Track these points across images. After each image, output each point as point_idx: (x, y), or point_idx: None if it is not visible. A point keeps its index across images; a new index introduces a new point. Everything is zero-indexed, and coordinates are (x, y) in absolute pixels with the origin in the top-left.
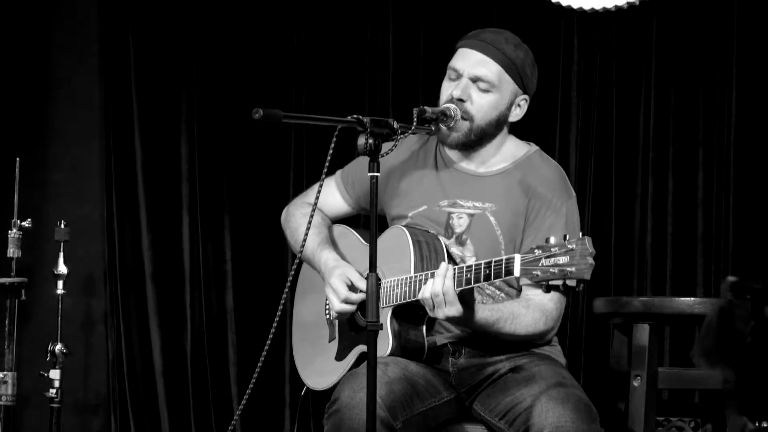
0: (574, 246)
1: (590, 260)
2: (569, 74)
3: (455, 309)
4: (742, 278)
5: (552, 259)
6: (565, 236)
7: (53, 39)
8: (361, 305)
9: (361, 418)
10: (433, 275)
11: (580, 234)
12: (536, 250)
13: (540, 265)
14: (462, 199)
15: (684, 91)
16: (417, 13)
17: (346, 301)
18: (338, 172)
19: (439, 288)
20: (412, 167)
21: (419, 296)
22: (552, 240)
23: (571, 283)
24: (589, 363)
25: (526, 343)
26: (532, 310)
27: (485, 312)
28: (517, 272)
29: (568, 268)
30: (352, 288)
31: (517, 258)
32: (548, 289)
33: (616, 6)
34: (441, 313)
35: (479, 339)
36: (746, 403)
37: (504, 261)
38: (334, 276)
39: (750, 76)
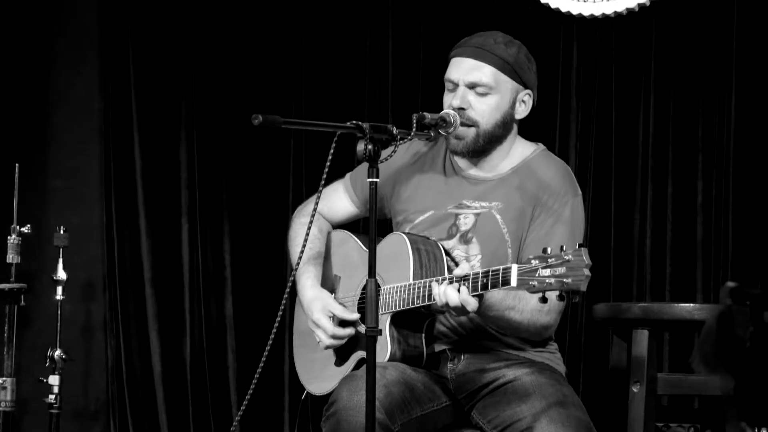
0: (570, 257)
1: (586, 272)
2: (569, 80)
3: (473, 306)
4: (742, 284)
5: (549, 269)
6: (561, 247)
7: (53, 45)
8: (362, 312)
9: (359, 420)
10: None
11: (579, 243)
12: (533, 261)
13: (537, 275)
14: (468, 200)
15: (683, 97)
16: (416, 20)
17: (335, 337)
18: (347, 175)
19: (458, 301)
20: (421, 172)
21: (438, 302)
22: (549, 250)
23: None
24: (589, 369)
25: (526, 341)
26: (535, 298)
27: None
28: (514, 282)
29: (564, 279)
30: (336, 320)
31: (514, 268)
32: (545, 299)
33: (615, 12)
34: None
35: (478, 344)
36: (746, 409)
37: (501, 271)
38: (316, 311)
39: (749, 82)
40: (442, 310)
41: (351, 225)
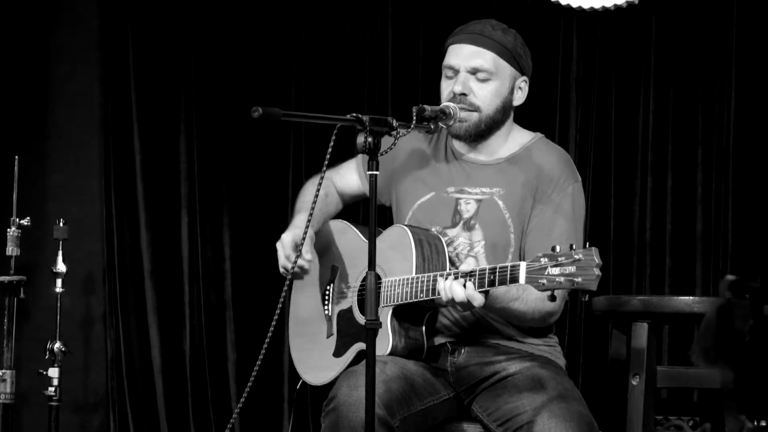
0: (581, 256)
1: (597, 271)
2: (568, 73)
3: (479, 302)
4: (741, 277)
5: (558, 268)
6: (571, 246)
7: (53, 38)
8: (361, 304)
9: (358, 416)
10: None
11: (587, 241)
12: (542, 259)
13: (546, 273)
14: (469, 186)
15: (683, 90)
16: (416, 12)
17: (288, 258)
18: (360, 154)
19: (463, 297)
20: (423, 159)
21: (443, 298)
22: (558, 249)
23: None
24: (588, 362)
25: (530, 331)
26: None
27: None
28: (522, 280)
29: (575, 279)
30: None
31: (523, 266)
32: (553, 297)
33: (615, 5)
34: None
35: (479, 337)
36: (745, 401)
37: (509, 268)
38: (288, 234)
39: (749, 75)
40: (445, 305)
41: (349, 214)
